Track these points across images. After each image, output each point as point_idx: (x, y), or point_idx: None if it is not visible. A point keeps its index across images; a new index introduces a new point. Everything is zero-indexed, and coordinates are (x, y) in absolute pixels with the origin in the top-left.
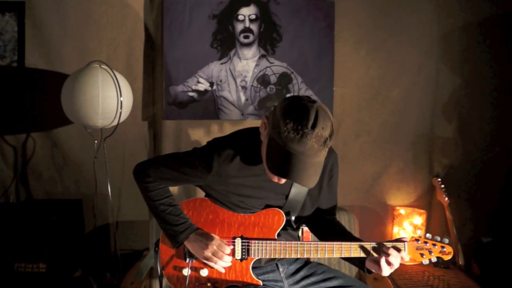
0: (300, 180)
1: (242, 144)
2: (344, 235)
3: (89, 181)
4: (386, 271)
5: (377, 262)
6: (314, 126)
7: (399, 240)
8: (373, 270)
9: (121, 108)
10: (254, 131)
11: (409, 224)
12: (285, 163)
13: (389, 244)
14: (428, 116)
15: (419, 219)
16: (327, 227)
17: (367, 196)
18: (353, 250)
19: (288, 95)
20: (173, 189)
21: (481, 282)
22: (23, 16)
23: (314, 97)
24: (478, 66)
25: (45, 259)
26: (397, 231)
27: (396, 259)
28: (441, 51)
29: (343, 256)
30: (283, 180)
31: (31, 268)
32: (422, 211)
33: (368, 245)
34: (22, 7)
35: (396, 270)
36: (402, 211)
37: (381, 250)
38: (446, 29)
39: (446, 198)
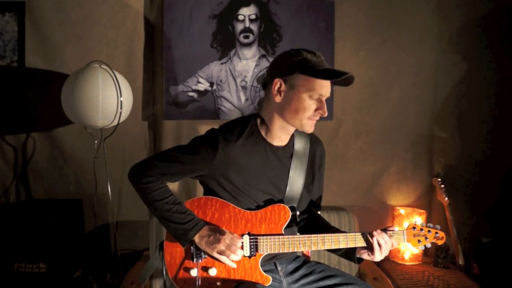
0: (348, 73)
1: (244, 126)
2: (330, 229)
3: (89, 181)
4: (378, 255)
5: (369, 248)
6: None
7: (387, 229)
8: (365, 256)
9: (121, 108)
10: (250, 117)
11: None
12: (332, 71)
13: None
14: (428, 116)
15: (419, 219)
16: (312, 221)
17: (367, 196)
18: (357, 239)
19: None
20: (173, 189)
21: (481, 282)
22: (23, 16)
23: None
24: (478, 65)
25: (45, 259)
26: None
27: (385, 241)
28: (440, 51)
29: (348, 246)
30: (326, 110)
31: (31, 268)
32: (422, 211)
33: (369, 234)
34: (22, 7)
35: (396, 270)
36: (402, 211)
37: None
38: (445, 29)
39: (446, 198)
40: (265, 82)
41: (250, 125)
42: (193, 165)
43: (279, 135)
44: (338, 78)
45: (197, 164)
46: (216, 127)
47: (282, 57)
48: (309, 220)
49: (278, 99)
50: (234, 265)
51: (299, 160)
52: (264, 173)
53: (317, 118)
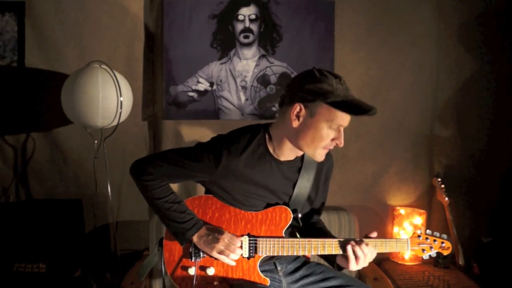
0: (374, 109)
1: (250, 139)
2: (326, 235)
3: (89, 181)
4: (353, 265)
5: (347, 257)
6: (338, 75)
7: (368, 236)
8: (343, 265)
9: (121, 108)
10: (259, 127)
11: (409, 224)
12: (358, 105)
13: (369, 240)
14: (428, 116)
15: (419, 219)
16: (311, 226)
17: (367, 196)
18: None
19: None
20: (173, 187)
21: (481, 282)
22: (23, 16)
23: None
24: (478, 65)
25: (45, 259)
26: (397, 231)
27: (364, 253)
28: (440, 51)
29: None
30: (342, 141)
31: (31, 268)
32: (422, 211)
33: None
34: (22, 7)
35: (396, 270)
36: (402, 211)
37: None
38: (445, 29)
39: (446, 198)
40: (283, 100)
41: (257, 139)
42: (194, 172)
43: (288, 154)
44: (364, 114)
45: (198, 172)
46: (222, 131)
47: (306, 79)
48: (307, 224)
49: (295, 124)
50: (233, 263)
51: (307, 174)
52: (267, 187)
53: (332, 147)
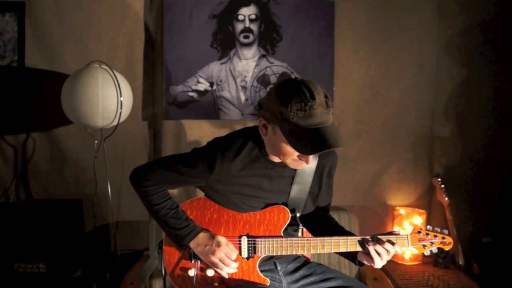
0: (336, 143)
1: (244, 143)
2: (338, 230)
3: (89, 181)
4: (378, 263)
5: (369, 254)
6: (312, 96)
7: (392, 233)
8: (365, 262)
9: (121, 108)
10: (254, 130)
11: (409, 224)
12: (315, 139)
13: (384, 238)
14: (428, 116)
15: (419, 219)
16: (321, 223)
17: (367, 196)
18: (358, 244)
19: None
20: (173, 190)
21: (481, 282)
22: (23, 16)
23: None
24: (478, 65)
25: (45, 259)
26: (397, 231)
27: (386, 250)
28: (441, 51)
29: (349, 250)
30: (310, 160)
31: (31, 268)
32: (422, 211)
33: (368, 241)
34: (22, 7)
35: (396, 270)
36: (402, 211)
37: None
38: (446, 29)
39: (446, 198)
40: (260, 106)
41: (251, 142)
42: (191, 178)
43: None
44: (310, 154)
45: (194, 178)
46: (222, 131)
47: (273, 96)
48: (316, 221)
49: (262, 134)
50: (226, 276)
51: (305, 172)
52: (264, 189)
53: (303, 164)
